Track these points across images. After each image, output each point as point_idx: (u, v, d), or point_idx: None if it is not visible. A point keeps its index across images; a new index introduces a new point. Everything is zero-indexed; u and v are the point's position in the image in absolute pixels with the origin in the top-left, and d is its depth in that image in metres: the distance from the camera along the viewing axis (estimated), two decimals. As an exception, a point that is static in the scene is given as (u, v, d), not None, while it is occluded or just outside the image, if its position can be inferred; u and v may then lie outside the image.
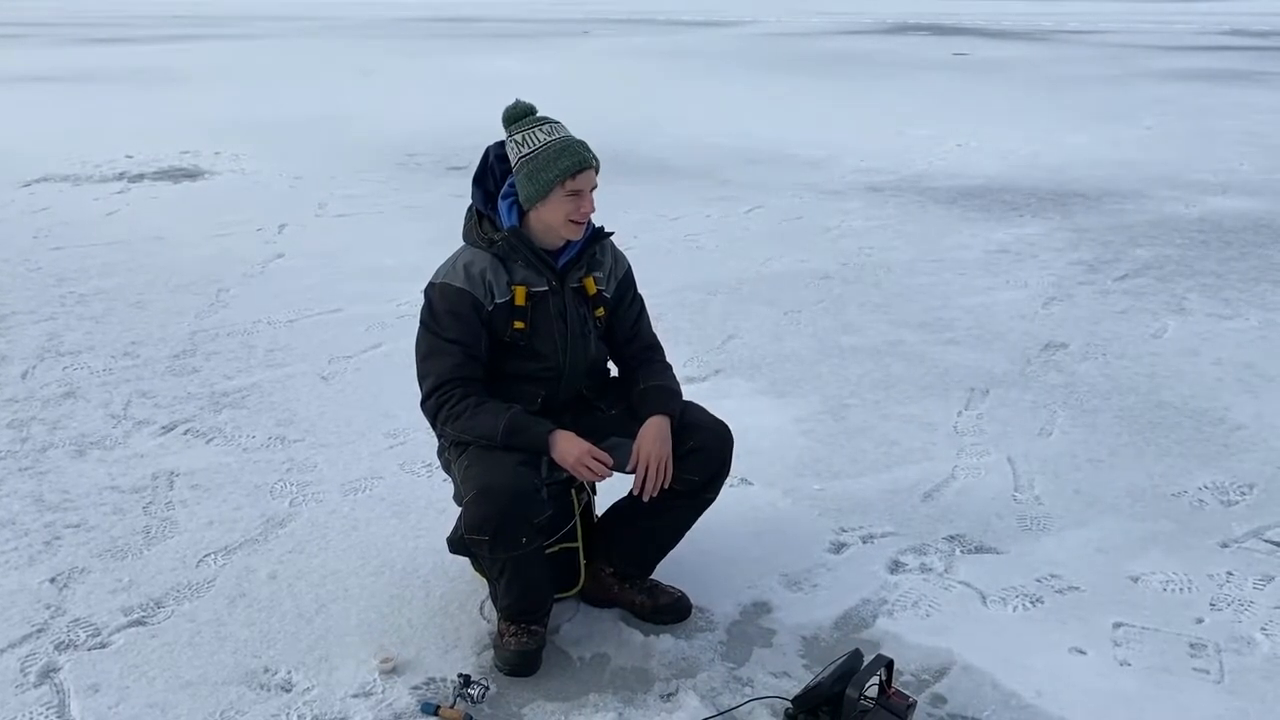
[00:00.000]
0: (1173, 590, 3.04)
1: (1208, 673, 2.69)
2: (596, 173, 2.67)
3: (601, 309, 2.82)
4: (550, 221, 2.66)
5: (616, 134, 10.94)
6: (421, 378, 2.70)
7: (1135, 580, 3.09)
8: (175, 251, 6.76)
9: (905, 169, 9.67)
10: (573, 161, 2.61)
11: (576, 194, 2.63)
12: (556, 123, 2.68)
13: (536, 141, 2.62)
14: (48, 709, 2.55)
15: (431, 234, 6.96)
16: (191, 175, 9.34)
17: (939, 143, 11.08)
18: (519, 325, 2.69)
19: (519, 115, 2.68)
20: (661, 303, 5.53)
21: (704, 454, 2.74)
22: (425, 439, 3.79)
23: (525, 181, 2.63)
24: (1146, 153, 10.50)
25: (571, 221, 2.66)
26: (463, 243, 2.78)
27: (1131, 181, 9.08)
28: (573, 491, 2.85)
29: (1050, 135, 11.55)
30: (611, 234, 2.84)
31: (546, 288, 2.71)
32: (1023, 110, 13.67)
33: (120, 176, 9.24)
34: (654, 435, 2.67)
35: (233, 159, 10.06)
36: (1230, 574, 3.12)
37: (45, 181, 8.99)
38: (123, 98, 14.97)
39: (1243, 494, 3.62)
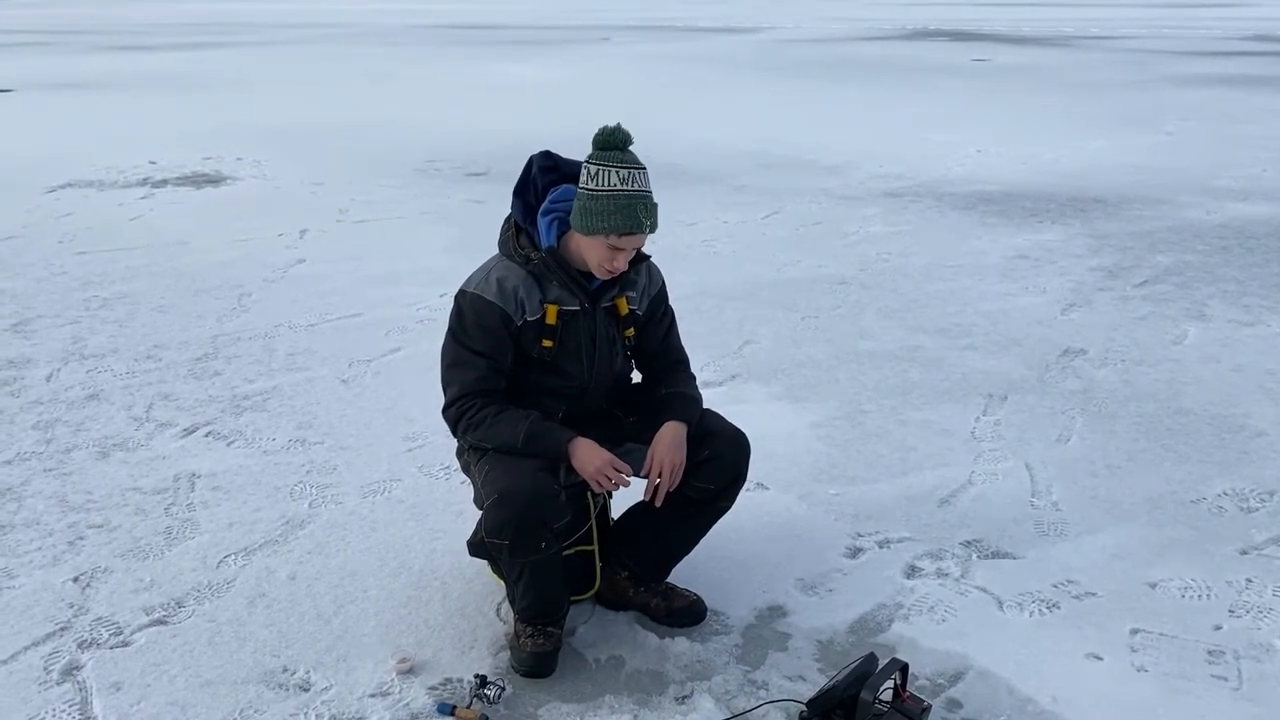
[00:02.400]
0: (1191, 597, 3.03)
1: (1226, 680, 2.68)
2: (651, 232, 2.60)
3: (632, 329, 2.81)
4: (584, 255, 2.63)
5: (635, 139, 10.95)
6: (445, 385, 2.71)
7: (1153, 586, 3.08)
8: (197, 256, 6.82)
9: (924, 174, 9.65)
10: (627, 224, 2.53)
11: (616, 249, 2.58)
12: (638, 169, 2.56)
13: (607, 183, 2.52)
14: (70, 706, 2.58)
15: (451, 240, 7.01)
16: (214, 181, 9.42)
17: (958, 148, 11.05)
18: (547, 343, 2.68)
19: (610, 145, 2.56)
20: (678, 308, 5.48)
21: (720, 462, 2.75)
22: (443, 442, 3.81)
23: (579, 214, 2.57)
24: (1167, 159, 10.44)
25: (602, 266, 2.61)
26: (498, 252, 2.75)
27: (1152, 187, 9.03)
28: (589, 494, 2.86)
29: (1070, 141, 11.50)
30: (649, 257, 2.80)
31: (578, 308, 2.70)
32: (1042, 116, 13.62)
33: (144, 182, 9.33)
34: (669, 441, 2.68)
35: (254, 165, 10.14)
36: (1249, 581, 3.11)
37: (70, 187, 9.09)
38: (145, 104, 15.11)
39: (1263, 501, 3.60)
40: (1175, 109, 14.19)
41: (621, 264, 2.61)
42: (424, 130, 12.40)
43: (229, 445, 4.04)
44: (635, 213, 2.53)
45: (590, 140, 2.59)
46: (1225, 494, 3.65)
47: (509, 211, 2.75)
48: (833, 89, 16.87)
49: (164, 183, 9.32)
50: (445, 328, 2.75)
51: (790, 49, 26.07)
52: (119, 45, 27.98)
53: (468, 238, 6.93)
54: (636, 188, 2.55)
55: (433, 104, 15.01)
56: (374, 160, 10.42)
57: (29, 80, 18.63)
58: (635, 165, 2.56)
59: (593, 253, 2.59)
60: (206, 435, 4.13)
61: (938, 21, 37.75)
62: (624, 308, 2.78)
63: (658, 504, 2.69)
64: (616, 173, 2.53)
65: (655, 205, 2.59)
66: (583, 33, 32.50)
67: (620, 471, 2.61)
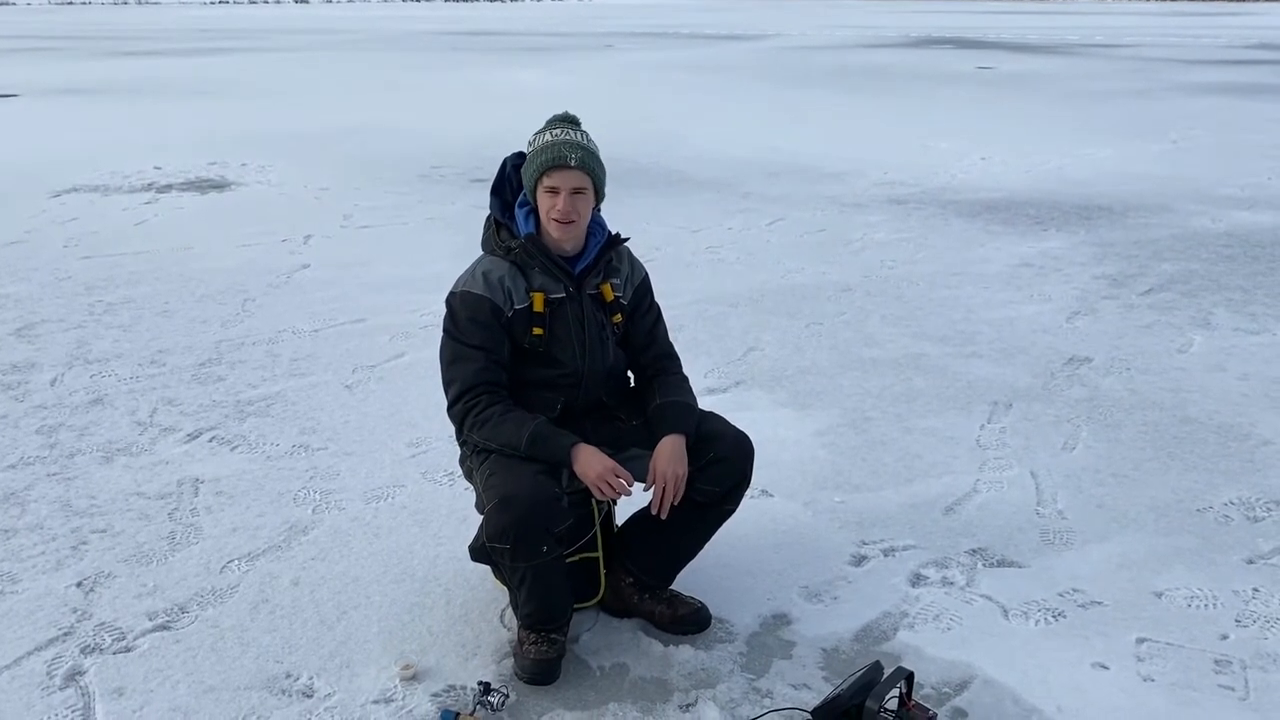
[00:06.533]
0: (1197, 606, 3.02)
1: (1233, 689, 2.66)
2: (588, 175, 2.65)
3: (619, 315, 2.83)
4: (542, 219, 2.70)
5: (639, 146, 10.98)
6: (447, 384, 2.72)
7: (1159, 596, 3.07)
8: (202, 261, 6.83)
9: (929, 182, 9.65)
10: (547, 158, 2.63)
11: (553, 191, 2.64)
12: (572, 125, 2.71)
13: (539, 141, 2.68)
14: (73, 711, 2.57)
15: (455, 245, 7.01)
16: (218, 186, 9.44)
17: (963, 156, 11.05)
18: (537, 331, 2.71)
19: (554, 118, 2.73)
20: (682, 314, 5.55)
21: (725, 465, 2.75)
22: (446, 448, 3.81)
23: (525, 179, 2.71)
24: (1172, 167, 10.44)
25: (553, 220, 2.66)
26: (481, 252, 2.80)
27: (1157, 196, 9.02)
28: (593, 501, 2.86)
29: (1075, 149, 11.50)
30: (627, 239, 2.86)
31: (564, 294, 2.73)
32: (1047, 124, 13.62)
33: (149, 187, 9.35)
34: (669, 454, 2.68)
35: (259, 170, 10.16)
36: (1256, 590, 3.09)
37: (75, 192, 9.11)
38: (151, 110, 15.15)
39: (1269, 510, 3.58)
40: (1180, 117, 14.19)
41: (563, 205, 2.64)
42: (428, 136, 12.43)
43: (232, 450, 4.03)
44: (555, 148, 2.64)
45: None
46: (1232, 503, 3.63)
47: (489, 212, 2.83)
48: (837, 96, 16.89)
49: (169, 188, 9.33)
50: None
51: (795, 56, 26.10)
52: (124, 51, 28.05)
53: (471, 244, 6.93)
54: (566, 136, 2.67)
55: (437, 110, 15.04)
56: (379, 166, 10.43)
57: (34, 85, 18.69)
58: (570, 124, 2.71)
59: (542, 210, 2.68)
60: (210, 440, 4.12)
61: (943, 30, 37.76)
62: (609, 294, 2.81)
63: (663, 516, 2.69)
64: (551, 130, 2.70)
65: (586, 149, 2.67)
66: (586, 40, 32.51)
67: (622, 479, 2.61)
